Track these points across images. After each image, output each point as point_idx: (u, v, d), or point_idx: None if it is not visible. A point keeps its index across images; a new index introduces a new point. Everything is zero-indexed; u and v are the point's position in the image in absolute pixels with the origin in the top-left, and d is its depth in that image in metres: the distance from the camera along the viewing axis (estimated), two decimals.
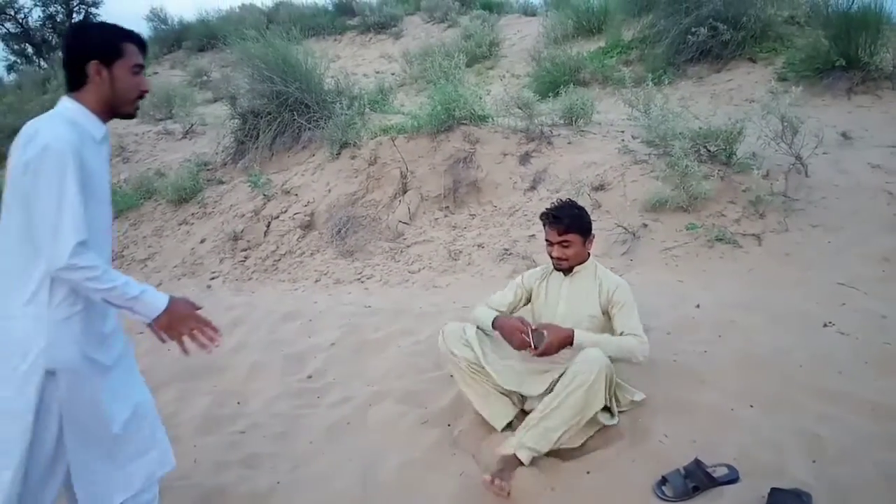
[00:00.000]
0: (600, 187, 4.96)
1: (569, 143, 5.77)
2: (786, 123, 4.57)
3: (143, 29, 18.51)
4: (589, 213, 2.80)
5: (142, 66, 1.95)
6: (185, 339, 1.92)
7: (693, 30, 7.12)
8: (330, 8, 14.71)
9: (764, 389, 2.73)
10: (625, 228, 4.47)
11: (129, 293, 1.80)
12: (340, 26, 13.74)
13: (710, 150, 4.82)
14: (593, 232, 2.79)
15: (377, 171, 6.03)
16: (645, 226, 4.50)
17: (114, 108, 1.94)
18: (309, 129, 6.90)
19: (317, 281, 5.19)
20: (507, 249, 4.81)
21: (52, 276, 1.78)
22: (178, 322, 1.90)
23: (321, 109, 6.89)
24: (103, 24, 1.95)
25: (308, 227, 5.86)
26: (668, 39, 7.49)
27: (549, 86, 7.50)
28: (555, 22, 10.13)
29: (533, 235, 4.82)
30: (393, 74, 10.52)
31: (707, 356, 3.02)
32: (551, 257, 2.76)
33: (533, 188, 5.36)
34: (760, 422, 2.53)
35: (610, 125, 6.15)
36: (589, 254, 2.79)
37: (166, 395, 3.50)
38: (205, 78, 12.27)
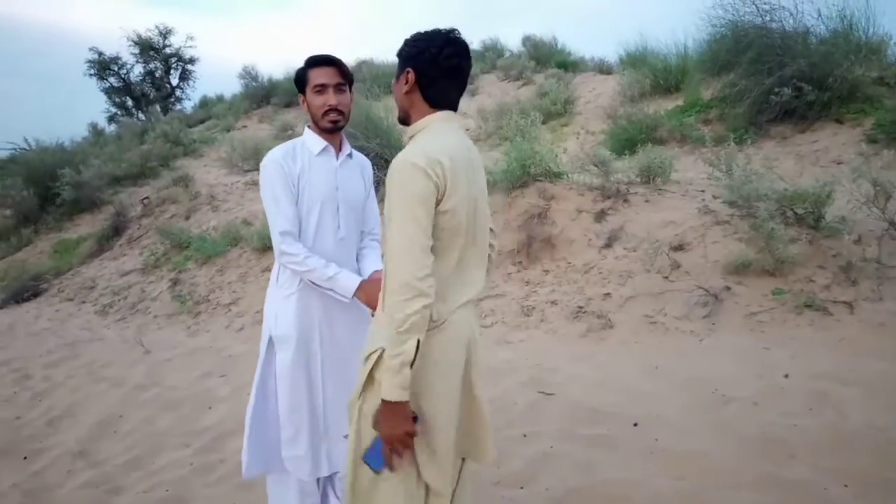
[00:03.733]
0: (679, 247, 4.87)
1: (646, 201, 5.72)
2: (878, 188, 4.39)
3: (235, 86, 19.69)
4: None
5: (324, 85, 2.25)
6: None
7: (776, 90, 6.98)
8: None
9: (859, 468, 2.58)
10: (706, 291, 4.36)
11: (326, 274, 2.20)
12: None
13: (796, 213, 4.67)
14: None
15: None
16: (728, 289, 4.37)
17: (318, 126, 2.32)
18: None
19: None
20: (581, 307, 4.76)
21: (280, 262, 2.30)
22: (375, 300, 2.17)
23: None
24: (305, 62, 2.30)
25: None
26: (750, 99, 7.34)
27: (626, 143, 7.47)
28: (631, 80, 10.11)
29: (608, 294, 4.75)
30: (468, 130, 10.75)
31: (797, 430, 2.87)
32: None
33: (608, 246, 5.30)
34: (855, 503, 2.39)
35: (689, 184, 6.06)
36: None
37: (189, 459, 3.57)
38: (290, 132, 12.86)
